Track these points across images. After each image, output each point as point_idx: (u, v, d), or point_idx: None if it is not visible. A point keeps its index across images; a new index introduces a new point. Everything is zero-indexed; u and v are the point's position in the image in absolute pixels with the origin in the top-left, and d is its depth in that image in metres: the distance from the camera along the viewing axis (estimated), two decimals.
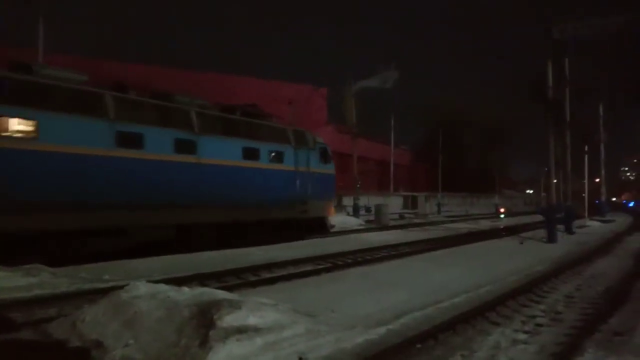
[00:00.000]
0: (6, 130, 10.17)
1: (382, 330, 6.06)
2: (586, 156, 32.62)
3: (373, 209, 31.33)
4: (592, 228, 25.40)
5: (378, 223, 28.12)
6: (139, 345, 5.10)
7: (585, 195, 32.11)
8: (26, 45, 23.07)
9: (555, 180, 21.56)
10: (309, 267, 11.56)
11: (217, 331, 4.92)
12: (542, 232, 18.87)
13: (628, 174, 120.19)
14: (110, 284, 8.52)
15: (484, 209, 53.56)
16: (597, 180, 40.98)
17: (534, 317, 7.23)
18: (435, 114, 59.30)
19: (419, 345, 5.67)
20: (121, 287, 6.48)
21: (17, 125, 10.34)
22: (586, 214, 30.12)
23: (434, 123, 56.43)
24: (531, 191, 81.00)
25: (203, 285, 8.46)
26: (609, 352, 5.44)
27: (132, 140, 12.21)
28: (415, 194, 47.44)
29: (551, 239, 17.74)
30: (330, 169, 19.30)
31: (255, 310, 5.50)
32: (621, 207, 61.58)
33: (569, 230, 21.14)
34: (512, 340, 6.07)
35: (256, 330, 5.16)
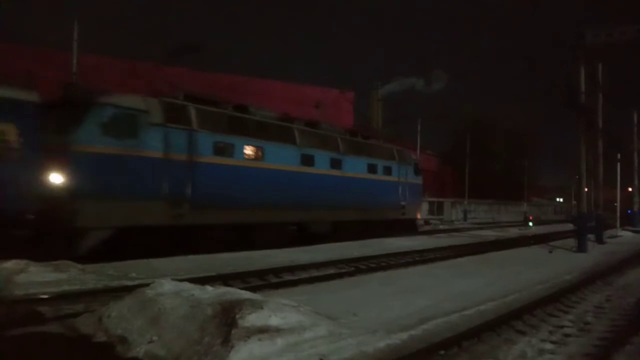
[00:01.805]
0: (246, 154, 15.02)
1: (404, 335, 5.98)
2: (619, 164, 31.77)
3: None
4: (624, 238, 24.73)
5: None
6: (162, 341, 5.16)
7: (617, 204, 31.28)
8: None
9: (586, 189, 21.04)
10: (331, 271, 11.54)
11: (239, 330, 4.94)
12: (571, 241, 18.46)
13: None
14: (137, 281, 8.66)
15: (512, 216, 52.66)
16: (630, 189, 39.86)
17: (561, 327, 7.05)
18: (462, 118, 58.56)
19: (442, 352, 5.58)
20: (147, 285, 6.58)
21: (252, 151, 15.19)
22: (618, 224, 29.34)
23: (460, 128, 55.78)
24: (561, 199, 79.28)
25: (226, 285, 8.52)
26: None
27: (309, 160, 17.16)
28: (441, 199, 46.93)
29: (581, 248, 17.33)
30: (419, 179, 24.05)
31: (277, 310, 5.50)
32: None
33: (599, 240, 20.62)
34: (538, 349, 5.92)
35: (278, 330, 5.16)
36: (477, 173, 51.51)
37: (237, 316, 5.16)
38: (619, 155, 31.56)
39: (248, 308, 5.32)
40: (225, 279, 9.60)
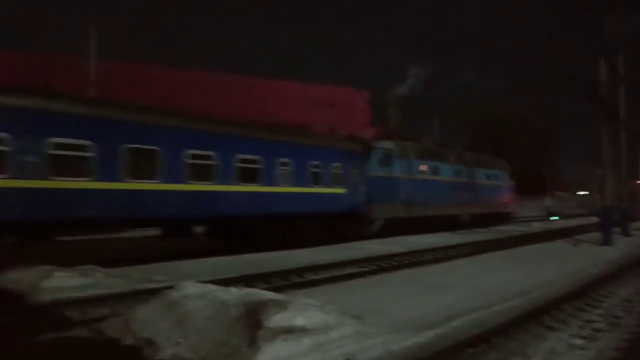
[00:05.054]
0: (432, 171, 23.00)
1: (431, 333, 5.90)
2: None
3: None
4: None
5: None
6: (188, 344, 5.17)
7: None
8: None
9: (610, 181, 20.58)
10: (354, 270, 11.48)
11: (265, 331, 4.93)
12: (596, 235, 18.10)
13: None
14: (161, 284, 8.70)
15: (535, 211, 51.77)
16: None
17: (591, 321, 6.92)
18: (480, 114, 57.82)
19: (471, 350, 5.49)
20: (171, 287, 6.61)
21: (430, 168, 22.97)
22: None
23: (479, 124, 55.12)
24: (585, 192, 77.84)
25: (249, 286, 8.52)
26: None
27: (458, 173, 25.14)
28: None
29: (606, 241, 16.98)
30: (512, 183, 32.20)
31: (302, 310, 5.48)
32: None
33: (625, 233, 20.20)
34: (568, 345, 5.82)
35: (303, 330, 5.14)
36: None
37: (262, 317, 5.14)
38: None
39: (272, 309, 5.31)
40: (248, 280, 9.61)
